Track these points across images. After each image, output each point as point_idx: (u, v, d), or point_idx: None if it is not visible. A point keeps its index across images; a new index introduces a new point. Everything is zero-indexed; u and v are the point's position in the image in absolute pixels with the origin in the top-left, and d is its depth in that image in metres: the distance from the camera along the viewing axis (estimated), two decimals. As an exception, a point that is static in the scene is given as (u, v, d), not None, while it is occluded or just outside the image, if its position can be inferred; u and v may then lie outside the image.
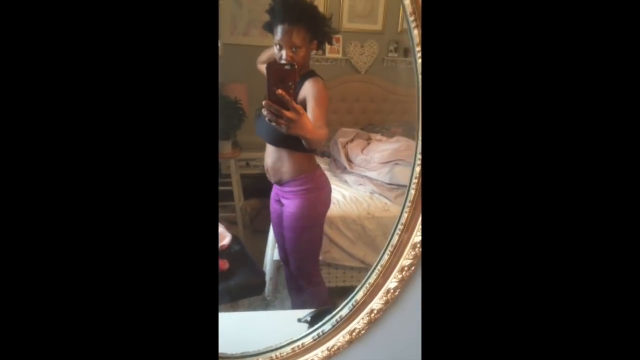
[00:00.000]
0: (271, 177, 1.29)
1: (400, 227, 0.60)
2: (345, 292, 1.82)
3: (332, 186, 1.47)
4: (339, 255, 1.83)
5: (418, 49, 0.57)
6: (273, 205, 1.36)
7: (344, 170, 2.12)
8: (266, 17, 1.06)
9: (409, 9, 0.56)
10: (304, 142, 0.95)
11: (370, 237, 1.77)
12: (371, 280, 0.65)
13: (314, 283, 1.36)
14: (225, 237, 1.42)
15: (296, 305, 1.34)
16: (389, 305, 0.62)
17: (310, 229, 1.31)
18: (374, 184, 1.86)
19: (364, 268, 1.76)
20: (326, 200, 1.33)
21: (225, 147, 2.27)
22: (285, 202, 1.28)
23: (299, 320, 0.75)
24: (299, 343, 0.68)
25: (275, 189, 1.33)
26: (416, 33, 0.56)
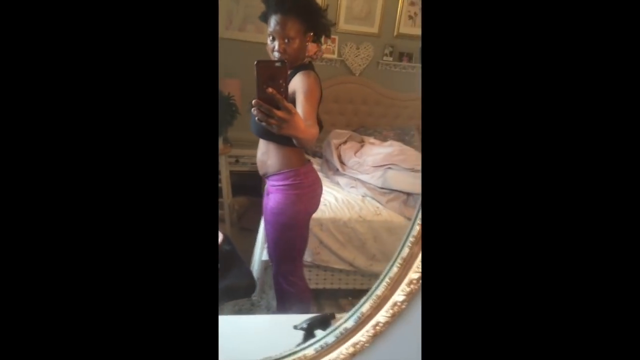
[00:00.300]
0: (259, 170, 1.27)
1: (411, 239, 0.59)
2: (332, 294, 1.81)
3: (324, 188, 1.45)
4: (328, 258, 1.82)
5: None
6: (264, 200, 1.32)
7: (336, 172, 2.10)
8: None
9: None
10: (295, 141, 0.89)
11: (360, 241, 1.76)
12: (379, 292, 0.64)
13: (291, 283, 1.33)
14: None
15: (280, 308, 1.30)
16: (395, 318, 0.62)
17: (290, 227, 1.22)
18: (366, 187, 1.86)
19: (352, 271, 1.76)
20: (311, 200, 1.26)
21: (215, 143, 2.22)
22: (270, 196, 1.24)
23: (295, 327, 0.74)
24: (301, 354, 0.67)
25: (267, 183, 1.28)
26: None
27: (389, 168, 1.75)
